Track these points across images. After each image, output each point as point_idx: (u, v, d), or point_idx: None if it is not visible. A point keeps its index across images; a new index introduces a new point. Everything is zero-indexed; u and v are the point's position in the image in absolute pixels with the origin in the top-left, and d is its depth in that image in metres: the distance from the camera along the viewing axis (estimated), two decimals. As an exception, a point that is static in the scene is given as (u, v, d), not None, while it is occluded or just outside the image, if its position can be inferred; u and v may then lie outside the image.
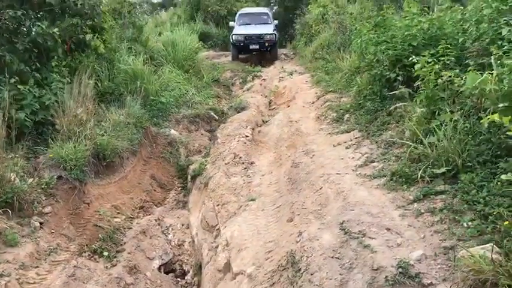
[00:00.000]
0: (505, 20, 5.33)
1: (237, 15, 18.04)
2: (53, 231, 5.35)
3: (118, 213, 6.37)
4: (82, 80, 7.04)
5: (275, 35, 16.04)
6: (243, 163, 6.93)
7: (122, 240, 5.86)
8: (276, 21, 17.88)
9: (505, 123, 2.64)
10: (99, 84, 8.40)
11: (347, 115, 7.52)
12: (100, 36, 7.99)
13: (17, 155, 5.72)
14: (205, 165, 7.31)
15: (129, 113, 7.81)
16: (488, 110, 4.37)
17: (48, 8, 7.26)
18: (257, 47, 15.90)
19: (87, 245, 5.51)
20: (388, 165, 5.08)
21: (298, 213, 4.80)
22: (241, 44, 15.93)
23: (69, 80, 6.85)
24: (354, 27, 8.73)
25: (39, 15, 7.38)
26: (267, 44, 15.95)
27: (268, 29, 16.21)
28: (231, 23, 17.75)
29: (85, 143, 6.34)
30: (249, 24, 17.00)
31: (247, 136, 8.00)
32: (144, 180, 7.33)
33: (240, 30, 16.43)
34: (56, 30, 6.82)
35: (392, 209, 4.17)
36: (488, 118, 3.28)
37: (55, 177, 5.78)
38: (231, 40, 16.16)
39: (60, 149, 6.08)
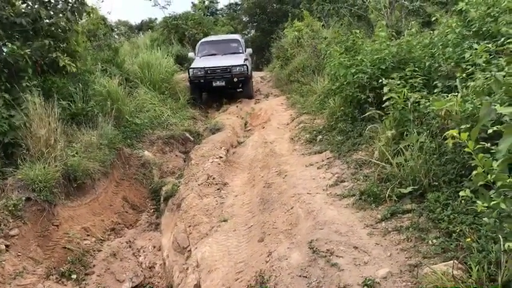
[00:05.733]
0: (467, 45, 5.54)
1: (198, 44, 14.72)
2: (19, 254, 5.22)
3: (88, 235, 6.26)
4: (53, 101, 6.96)
5: (247, 66, 12.60)
6: (216, 184, 6.93)
7: (92, 262, 5.78)
8: (249, 50, 14.68)
9: (463, 139, 2.73)
10: (73, 106, 8.32)
11: (320, 136, 7.62)
12: (72, 59, 7.91)
13: (-17, 177, 5.62)
14: (178, 186, 7.26)
15: (101, 134, 7.72)
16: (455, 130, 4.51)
17: (21, 29, 7.22)
18: (223, 83, 12.46)
19: (55, 268, 5.41)
20: (358, 185, 5.16)
21: (269, 233, 4.81)
22: (201, 81, 12.54)
23: (39, 101, 6.73)
24: (327, 51, 8.91)
25: (12, 36, 7.32)
26: (236, 80, 12.47)
27: (237, 60, 12.86)
28: (190, 54, 14.36)
29: (55, 164, 6.25)
30: (214, 54, 13.79)
31: (221, 157, 8.01)
32: (116, 202, 7.23)
33: (200, 62, 13.05)
34: (27, 50, 6.77)
35: (360, 227, 4.22)
36: (453, 138, 3.38)
37: (23, 198, 5.63)
38: (188, 76, 12.72)
39: (29, 170, 5.96)
